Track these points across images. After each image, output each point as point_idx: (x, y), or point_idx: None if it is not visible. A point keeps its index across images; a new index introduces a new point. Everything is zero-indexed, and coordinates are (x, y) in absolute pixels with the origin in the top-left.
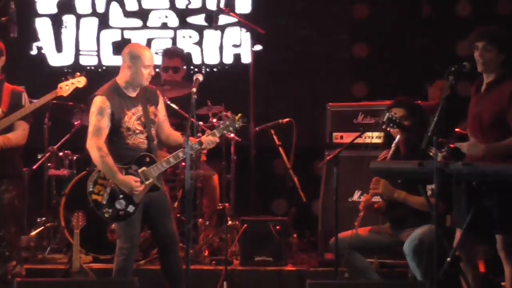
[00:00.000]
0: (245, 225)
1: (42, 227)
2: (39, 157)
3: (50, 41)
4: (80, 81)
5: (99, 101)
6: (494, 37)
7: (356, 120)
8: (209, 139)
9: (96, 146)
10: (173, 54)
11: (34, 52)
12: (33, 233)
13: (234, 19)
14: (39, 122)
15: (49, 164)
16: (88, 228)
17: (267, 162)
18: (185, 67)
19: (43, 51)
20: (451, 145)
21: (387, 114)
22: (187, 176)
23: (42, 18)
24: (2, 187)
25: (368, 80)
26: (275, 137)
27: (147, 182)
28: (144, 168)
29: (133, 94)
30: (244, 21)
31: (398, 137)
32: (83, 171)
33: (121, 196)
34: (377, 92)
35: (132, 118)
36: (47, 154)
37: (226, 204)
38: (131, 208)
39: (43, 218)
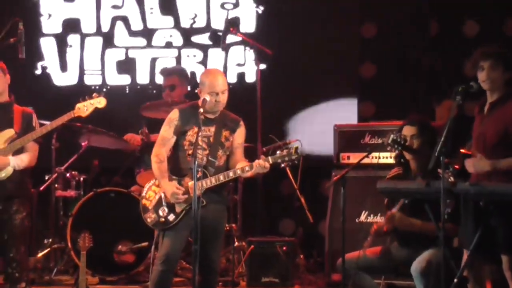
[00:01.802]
0: (252, 246)
1: (49, 249)
2: (47, 178)
3: (54, 60)
4: (100, 102)
5: (171, 113)
6: (500, 56)
7: (363, 140)
8: (260, 164)
9: (155, 153)
10: (169, 72)
11: (39, 71)
12: (40, 254)
13: (238, 38)
14: (47, 142)
15: (56, 185)
16: (95, 250)
17: (274, 183)
18: (185, 84)
19: (47, 71)
20: (456, 166)
21: (392, 135)
22: (194, 196)
23: (47, 37)
24: (14, 208)
25: (375, 100)
26: None
27: (191, 194)
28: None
29: (211, 115)
30: (251, 41)
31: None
32: (90, 192)
33: (166, 203)
34: (384, 112)
35: (197, 134)
36: (54, 175)
37: (233, 225)
38: (171, 217)
39: (50, 240)
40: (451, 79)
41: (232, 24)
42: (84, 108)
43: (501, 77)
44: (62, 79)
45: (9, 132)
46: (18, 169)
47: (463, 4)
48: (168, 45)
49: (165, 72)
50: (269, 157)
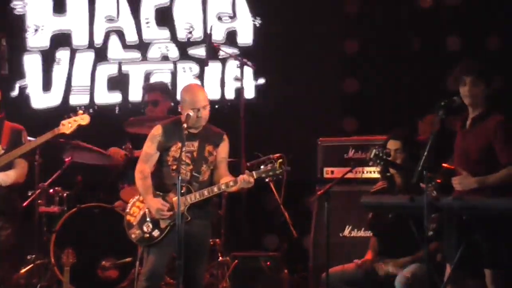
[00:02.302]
0: (236, 260)
1: (32, 265)
2: (30, 194)
3: (37, 79)
4: (83, 119)
5: (154, 129)
6: (482, 72)
7: (347, 155)
8: (245, 179)
9: (139, 169)
10: (151, 88)
11: (15, 93)
12: (23, 270)
13: (235, 51)
14: (30, 159)
15: (39, 201)
16: (79, 265)
17: (258, 198)
18: (168, 99)
19: (27, 91)
20: (438, 180)
21: (374, 150)
22: (178, 211)
23: (32, 54)
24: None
25: (358, 115)
26: None
27: (175, 210)
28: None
29: (194, 130)
30: (235, 56)
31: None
32: (73, 208)
33: (150, 219)
34: (368, 126)
35: (181, 150)
36: (38, 191)
37: (217, 240)
38: (156, 233)
39: (33, 255)
40: (433, 94)
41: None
42: (69, 124)
43: (482, 93)
44: (43, 100)
45: None
46: (4, 185)
47: (444, 19)
48: (164, 58)
49: (147, 87)
50: (254, 172)
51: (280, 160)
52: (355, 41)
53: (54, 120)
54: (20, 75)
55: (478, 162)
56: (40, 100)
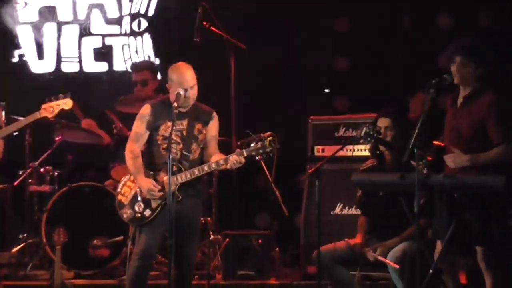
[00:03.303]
0: (227, 239)
1: (24, 244)
2: (20, 173)
3: (31, 48)
4: (66, 103)
5: (143, 108)
6: (472, 52)
7: (338, 133)
8: (235, 159)
9: (129, 149)
10: (140, 67)
11: (15, 59)
12: (15, 249)
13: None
14: (20, 138)
15: (30, 180)
16: (70, 244)
17: (249, 176)
18: (156, 79)
19: (24, 58)
20: (429, 158)
21: (364, 128)
22: (169, 190)
23: (24, 25)
24: None
25: (350, 94)
26: None
27: (166, 190)
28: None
29: (182, 109)
30: (225, 35)
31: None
32: (64, 187)
33: (141, 199)
34: (359, 105)
35: (170, 128)
36: (28, 170)
37: (208, 218)
38: (147, 212)
39: (25, 235)
40: (424, 72)
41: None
42: (50, 109)
43: (472, 73)
44: (40, 66)
45: None
46: None
47: None
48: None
49: (136, 67)
50: (244, 150)
51: (270, 138)
52: (346, 19)
53: (52, 87)
54: (16, 45)
55: (470, 140)
56: (37, 66)
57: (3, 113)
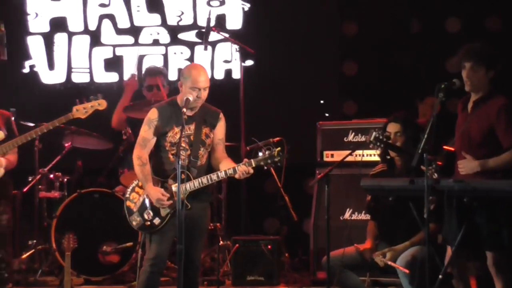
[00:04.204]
0: (237, 245)
1: (33, 250)
2: (30, 179)
3: (42, 59)
4: (101, 104)
5: (150, 113)
6: (482, 56)
7: (347, 138)
8: (244, 170)
9: (136, 155)
10: (154, 72)
11: (26, 70)
12: (25, 255)
13: (225, 35)
14: (30, 144)
15: (40, 187)
16: (80, 250)
17: (258, 182)
18: (167, 85)
19: (35, 69)
20: (439, 163)
21: (374, 133)
22: (178, 196)
23: (34, 36)
24: (0, 208)
25: (358, 98)
26: None
27: (175, 199)
28: (177, 184)
29: (189, 112)
30: (233, 40)
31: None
32: (74, 193)
33: (150, 207)
34: (368, 110)
35: (178, 134)
36: (38, 177)
37: (218, 224)
38: (157, 220)
39: (34, 241)
40: (433, 76)
41: (218, 23)
42: (84, 110)
43: (484, 78)
44: (50, 77)
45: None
46: (5, 170)
47: (444, 1)
48: (155, 42)
49: (152, 71)
50: (252, 160)
51: (279, 148)
52: (354, 23)
53: (63, 97)
54: (27, 56)
55: (480, 145)
56: (48, 77)
57: (12, 118)
